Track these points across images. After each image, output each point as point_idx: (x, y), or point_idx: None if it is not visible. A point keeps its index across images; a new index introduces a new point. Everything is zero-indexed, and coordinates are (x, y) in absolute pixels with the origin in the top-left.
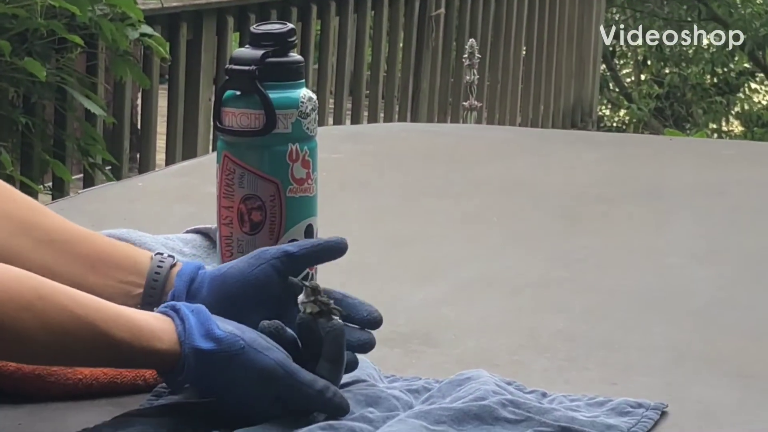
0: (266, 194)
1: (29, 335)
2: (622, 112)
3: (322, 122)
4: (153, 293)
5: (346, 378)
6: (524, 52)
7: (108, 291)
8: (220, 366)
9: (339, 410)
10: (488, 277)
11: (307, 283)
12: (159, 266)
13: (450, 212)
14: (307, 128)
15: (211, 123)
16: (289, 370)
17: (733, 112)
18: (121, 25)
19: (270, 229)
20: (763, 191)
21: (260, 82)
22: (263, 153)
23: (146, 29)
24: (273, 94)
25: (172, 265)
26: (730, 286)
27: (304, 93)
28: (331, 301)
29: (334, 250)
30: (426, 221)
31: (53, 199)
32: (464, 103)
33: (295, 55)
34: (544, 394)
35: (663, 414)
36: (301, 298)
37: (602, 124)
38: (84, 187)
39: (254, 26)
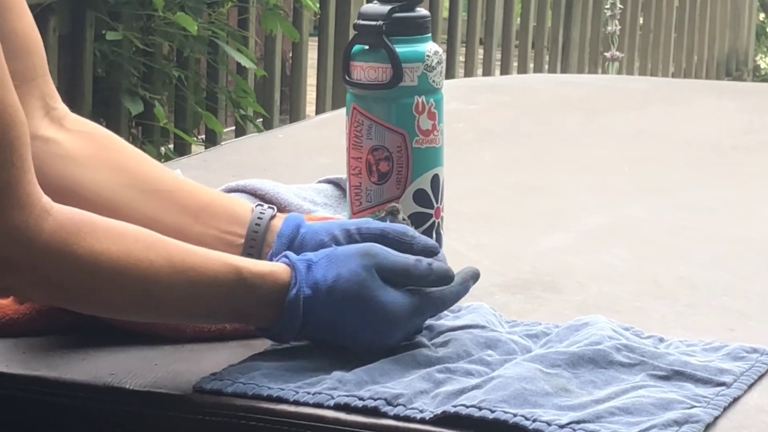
0: (393, 145)
1: (157, 272)
2: None
3: (456, 74)
4: (254, 243)
5: (465, 323)
6: (677, 2)
7: (211, 240)
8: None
9: (444, 276)
10: (614, 225)
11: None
12: (259, 218)
13: (580, 161)
14: (433, 81)
15: None
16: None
17: None
18: None
19: (397, 180)
20: None
21: (387, 37)
22: (390, 105)
23: None
24: (399, 48)
25: (272, 217)
26: None
27: (430, 47)
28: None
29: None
30: (556, 170)
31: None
32: (606, 53)
33: (422, 10)
34: (661, 340)
35: None
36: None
37: (758, 74)
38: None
39: None
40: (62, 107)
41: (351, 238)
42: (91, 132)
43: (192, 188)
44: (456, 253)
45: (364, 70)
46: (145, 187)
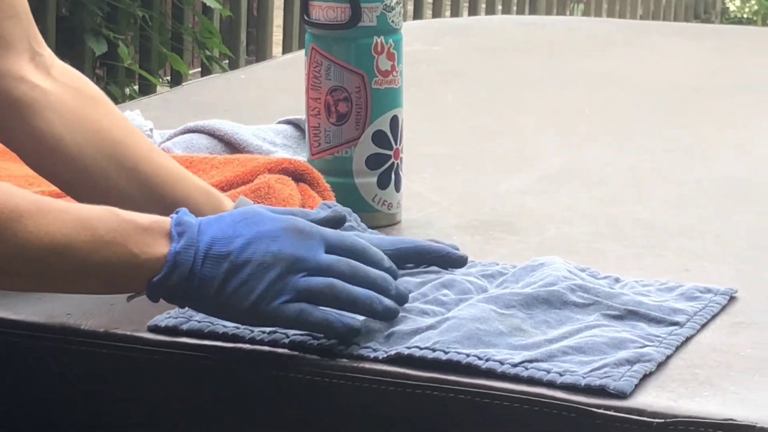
0: (352, 86)
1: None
2: (753, 1)
3: (424, 15)
4: None
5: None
6: None
7: None
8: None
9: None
10: (575, 168)
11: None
12: None
13: (543, 104)
14: (392, 21)
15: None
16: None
17: None
18: None
19: (356, 121)
20: None
21: None
22: (349, 45)
23: None
24: None
25: None
26: None
27: None
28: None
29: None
30: (518, 113)
31: None
32: None
33: None
34: (616, 280)
35: (731, 299)
36: None
37: (727, 17)
38: None
39: None
40: (49, 54)
41: None
42: (79, 87)
43: (171, 176)
44: (416, 194)
45: (323, 10)
46: (126, 162)
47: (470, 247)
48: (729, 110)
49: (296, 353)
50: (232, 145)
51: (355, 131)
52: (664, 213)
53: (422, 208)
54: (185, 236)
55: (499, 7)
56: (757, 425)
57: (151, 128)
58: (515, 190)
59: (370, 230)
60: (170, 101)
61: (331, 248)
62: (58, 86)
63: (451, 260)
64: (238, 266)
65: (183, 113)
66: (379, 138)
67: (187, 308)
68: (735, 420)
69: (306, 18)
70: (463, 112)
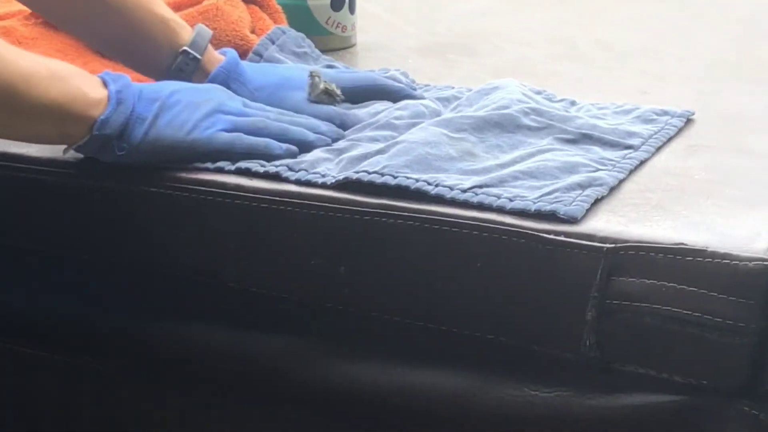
0: None
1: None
2: None
3: None
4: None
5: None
6: None
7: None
8: None
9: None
10: None
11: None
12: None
13: None
14: None
15: None
16: None
17: None
18: None
19: None
20: None
21: None
22: None
23: None
24: None
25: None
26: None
27: None
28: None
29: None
30: None
31: None
32: None
33: None
34: (572, 103)
35: (688, 121)
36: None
37: None
38: None
39: None
40: None
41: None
42: None
43: (135, 10)
44: (371, 15)
45: None
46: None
47: (426, 71)
48: None
49: (242, 180)
50: None
51: None
52: (624, 33)
53: (378, 31)
54: (119, 82)
55: None
56: (708, 249)
57: None
58: (473, 11)
59: (324, 57)
60: None
61: (247, 105)
62: None
63: (406, 95)
64: (169, 105)
65: None
66: None
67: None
68: (685, 244)
69: None
70: None
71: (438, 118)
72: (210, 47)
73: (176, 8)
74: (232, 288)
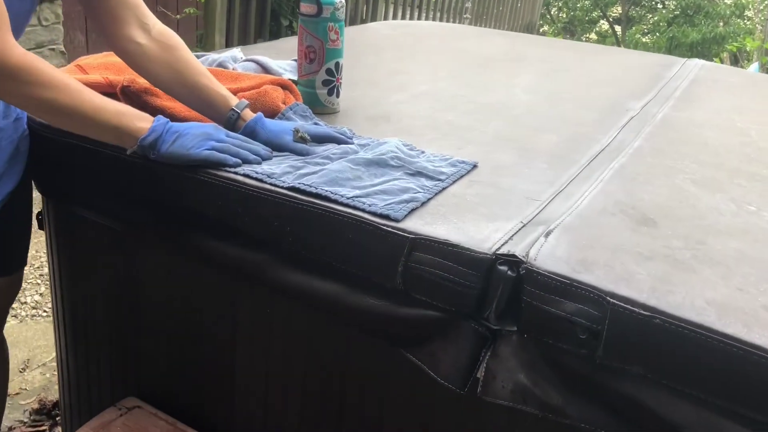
0: (316, 45)
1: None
2: None
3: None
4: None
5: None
6: None
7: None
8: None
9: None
10: (434, 93)
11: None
12: (231, 115)
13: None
14: (338, 15)
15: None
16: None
17: None
18: None
19: (318, 62)
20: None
21: None
22: (316, 25)
23: None
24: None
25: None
26: (541, 105)
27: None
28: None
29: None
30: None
31: None
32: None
33: None
34: (422, 152)
35: (474, 167)
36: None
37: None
38: None
39: None
40: (152, 22)
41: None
42: (165, 42)
43: (205, 88)
44: (347, 99)
45: (305, 7)
46: (185, 83)
47: (362, 126)
48: (511, 71)
49: (239, 177)
50: (265, 69)
51: (317, 67)
52: (461, 118)
53: (346, 107)
54: (159, 121)
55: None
56: (460, 244)
57: (241, 56)
58: (395, 101)
59: (316, 118)
60: (258, 47)
61: (229, 136)
62: (153, 42)
63: (345, 142)
64: (182, 135)
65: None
66: (329, 71)
67: (154, 156)
68: (449, 240)
69: (298, 10)
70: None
71: (350, 157)
72: (247, 110)
73: (244, 90)
74: (230, 226)
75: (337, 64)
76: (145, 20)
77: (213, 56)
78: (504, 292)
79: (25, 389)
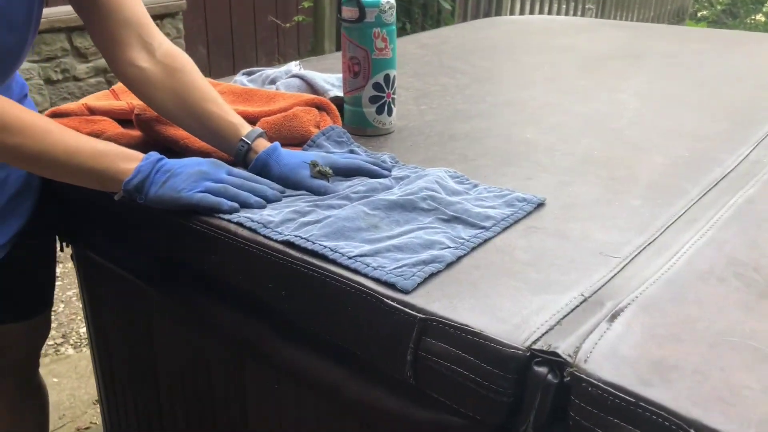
0: (360, 56)
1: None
2: None
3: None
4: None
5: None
6: None
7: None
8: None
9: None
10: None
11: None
12: (241, 146)
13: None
14: (386, 19)
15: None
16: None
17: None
18: None
19: (363, 76)
20: (705, 59)
21: None
22: (360, 32)
23: None
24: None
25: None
26: (651, 114)
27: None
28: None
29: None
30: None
31: None
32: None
33: None
34: (475, 186)
35: (540, 206)
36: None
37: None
38: None
39: None
40: (158, 42)
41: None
42: (170, 64)
43: (213, 116)
44: (403, 116)
45: (347, 12)
46: (191, 110)
47: (411, 150)
48: (616, 70)
49: (231, 226)
50: (310, 86)
51: (363, 81)
52: (543, 135)
53: (404, 126)
54: (149, 159)
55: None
56: (483, 332)
57: (297, 71)
58: (467, 116)
59: (354, 143)
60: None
61: (231, 173)
62: (156, 65)
63: (379, 176)
64: (175, 174)
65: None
66: (377, 86)
67: (141, 200)
68: (468, 326)
69: (339, 16)
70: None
71: (371, 198)
72: (261, 139)
73: (273, 113)
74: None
75: (387, 77)
76: (150, 40)
77: (268, 71)
78: (544, 403)
79: (95, 423)
